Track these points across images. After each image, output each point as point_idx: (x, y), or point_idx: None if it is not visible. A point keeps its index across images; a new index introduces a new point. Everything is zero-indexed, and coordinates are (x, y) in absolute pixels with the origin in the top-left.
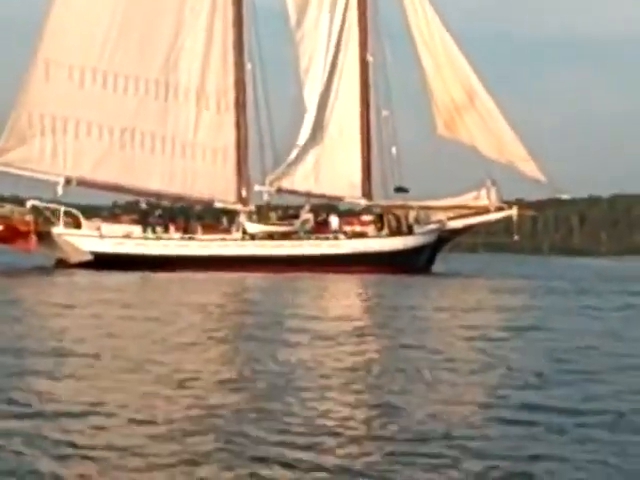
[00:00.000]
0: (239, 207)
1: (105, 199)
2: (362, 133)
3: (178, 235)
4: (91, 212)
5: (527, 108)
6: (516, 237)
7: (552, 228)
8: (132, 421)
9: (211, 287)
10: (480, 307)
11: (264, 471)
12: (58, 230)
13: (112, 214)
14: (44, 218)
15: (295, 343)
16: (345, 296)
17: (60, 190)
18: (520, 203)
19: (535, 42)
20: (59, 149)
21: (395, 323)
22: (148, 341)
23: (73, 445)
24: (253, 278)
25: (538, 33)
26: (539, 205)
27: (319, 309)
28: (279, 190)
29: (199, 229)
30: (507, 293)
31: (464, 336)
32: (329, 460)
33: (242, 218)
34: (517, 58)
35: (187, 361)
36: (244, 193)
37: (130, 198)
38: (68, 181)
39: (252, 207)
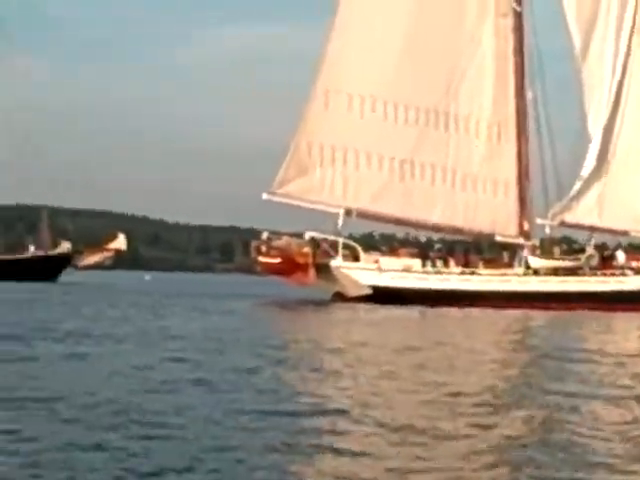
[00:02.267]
0: (521, 241)
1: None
2: None
3: (458, 269)
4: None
5: None
6: None
7: None
8: None
9: (502, 325)
10: None
11: None
12: (336, 263)
13: (390, 247)
14: (322, 250)
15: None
16: None
17: (340, 222)
18: None
19: None
20: (339, 180)
21: None
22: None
23: None
24: (538, 315)
25: None
26: None
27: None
28: (562, 224)
29: (480, 263)
30: None
31: None
32: None
33: (525, 252)
34: None
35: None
36: (526, 226)
37: (410, 230)
38: (348, 213)
39: (535, 241)
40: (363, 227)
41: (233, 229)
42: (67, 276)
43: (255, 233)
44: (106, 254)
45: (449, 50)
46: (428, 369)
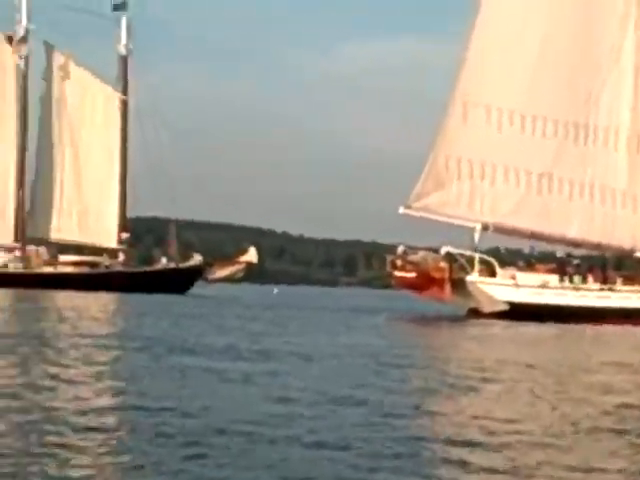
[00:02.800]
0: None
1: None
2: None
3: (597, 286)
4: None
5: None
6: None
7: None
8: None
9: None
10: None
11: None
12: (472, 278)
13: (528, 263)
14: (459, 265)
15: None
16: None
17: (477, 236)
18: None
19: None
20: (476, 194)
21: None
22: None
23: None
24: None
25: None
26: None
27: None
28: None
29: (619, 280)
30: None
31: None
32: None
33: None
34: None
35: None
36: None
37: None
38: (485, 227)
39: None
40: (489, 241)
41: (356, 243)
42: (197, 289)
43: (378, 247)
44: (238, 267)
45: (588, 61)
46: (613, 392)
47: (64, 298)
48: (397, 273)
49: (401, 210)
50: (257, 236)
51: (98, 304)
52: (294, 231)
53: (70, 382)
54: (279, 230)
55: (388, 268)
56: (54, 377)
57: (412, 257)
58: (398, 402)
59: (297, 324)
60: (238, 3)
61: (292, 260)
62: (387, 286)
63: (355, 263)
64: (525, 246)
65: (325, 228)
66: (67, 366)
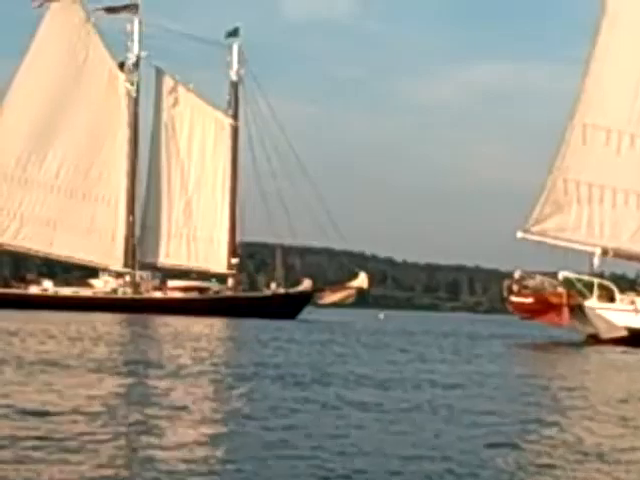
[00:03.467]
0: None
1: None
2: None
3: None
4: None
5: None
6: None
7: None
8: None
9: None
10: None
11: None
12: (591, 303)
13: None
14: (577, 290)
15: None
16: None
17: (597, 261)
18: None
19: None
20: (595, 218)
21: None
22: None
23: None
24: None
25: None
26: None
27: None
28: None
29: None
30: None
31: None
32: None
33: None
34: None
35: None
36: None
37: None
38: (605, 252)
39: None
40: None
41: (459, 268)
42: (305, 314)
43: (480, 272)
44: (349, 292)
45: None
46: None
47: (177, 324)
48: (514, 298)
49: (519, 234)
50: (360, 261)
51: (215, 330)
52: (398, 256)
53: None
54: (382, 255)
55: (505, 293)
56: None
57: (529, 282)
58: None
59: (426, 351)
60: None
61: (395, 285)
62: (489, 311)
63: (458, 288)
64: (630, 271)
65: (428, 253)
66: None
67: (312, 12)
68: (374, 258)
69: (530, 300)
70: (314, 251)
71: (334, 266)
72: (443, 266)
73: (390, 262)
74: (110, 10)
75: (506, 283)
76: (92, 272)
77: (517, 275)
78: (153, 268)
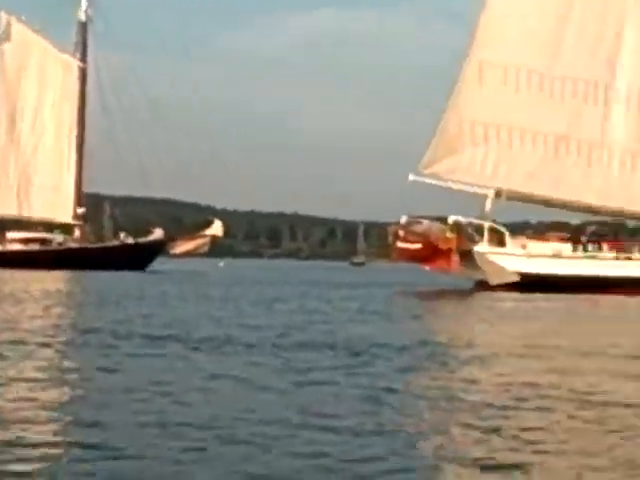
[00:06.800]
0: None
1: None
2: None
3: (612, 254)
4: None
5: None
6: None
7: None
8: None
9: None
10: None
11: None
12: (481, 248)
13: (538, 231)
14: (466, 235)
15: None
16: None
17: (489, 204)
18: None
19: None
20: (490, 159)
21: None
22: None
23: None
24: None
25: None
26: None
27: None
28: None
29: (637, 248)
30: None
31: None
32: None
33: None
34: None
35: None
36: None
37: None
38: (498, 194)
39: None
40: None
41: (279, 215)
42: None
43: (300, 218)
44: (203, 241)
45: (613, 19)
46: None
47: (16, 278)
48: (400, 244)
49: (411, 177)
50: (178, 209)
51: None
52: (219, 204)
53: None
54: (205, 203)
55: (390, 239)
56: None
57: (416, 227)
58: None
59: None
60: None
61: None
62: (309, 257)
63: (279, 235)
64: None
65: (248, 200)
66: None
67: None
68: (194, 205)
69: (417, 246)
70: (133, 200)
71: (153, 215)
72: (264, 213)
73: (211, 210)
74: None
75: (391, 229)
76: None
77: (403, 220)
78: None
